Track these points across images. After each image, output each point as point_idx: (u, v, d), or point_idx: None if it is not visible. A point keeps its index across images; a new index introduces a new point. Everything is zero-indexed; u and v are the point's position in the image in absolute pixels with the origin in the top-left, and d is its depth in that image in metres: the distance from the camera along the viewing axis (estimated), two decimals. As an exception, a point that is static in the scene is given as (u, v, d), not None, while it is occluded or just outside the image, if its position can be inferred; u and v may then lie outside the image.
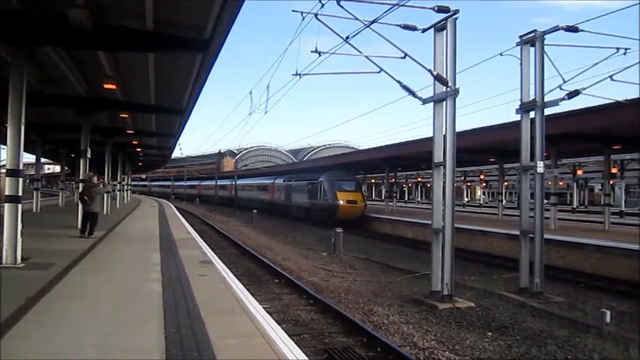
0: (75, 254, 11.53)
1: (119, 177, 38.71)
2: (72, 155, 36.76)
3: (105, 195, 24.68)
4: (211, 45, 11.10)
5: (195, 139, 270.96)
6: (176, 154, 59.12)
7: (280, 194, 46.49)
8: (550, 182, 23.30)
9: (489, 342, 9.25)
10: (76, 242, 13.93)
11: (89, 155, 18.77)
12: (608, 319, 9.84)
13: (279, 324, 7.11)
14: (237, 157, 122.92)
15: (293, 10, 11.81)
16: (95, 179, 16.01)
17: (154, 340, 5.59)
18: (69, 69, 14.63)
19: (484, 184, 66.37)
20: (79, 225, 15.51)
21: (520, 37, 13.47)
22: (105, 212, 24.48)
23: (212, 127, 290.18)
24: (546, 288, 13.31)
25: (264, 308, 7.99)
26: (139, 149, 38.33)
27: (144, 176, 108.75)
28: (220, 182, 73.39)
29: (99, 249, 13.13)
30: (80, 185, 17.59)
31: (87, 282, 8.88)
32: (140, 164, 56.06)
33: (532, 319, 10.99)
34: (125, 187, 48.24)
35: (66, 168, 44.10)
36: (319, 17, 11.45)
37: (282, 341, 5.82)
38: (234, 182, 65.53)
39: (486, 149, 26.74)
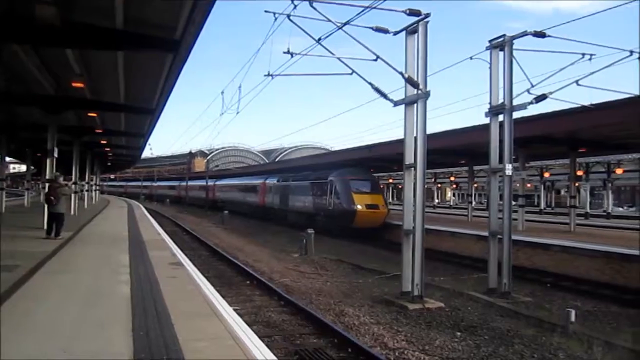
0: (41, 255, 11.27)
1: (87, 177, 38.02)
2: (39, 155, 35.96)
3: (73, 195, 24.21)
4: (182, 45, 11.01)
5: (166, 138, 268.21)
6: (146, 153, 58.07)
7: (274, 196, 39.25)
8: (518, 184, 23.73)
9: (458, 342, 9.37)
10: (42, 243, 13.61)
11: (55, 155, 18.37)
12: (573, 318, 10.09)
13: (249, 325, 7.07)
14: (208, 157, 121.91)
15: (265, 11, 11.80)
16: (61, 179, 15.67)
17: (121, 344, 5.51)
18: (36, 66, 14.32)
19: (454, 186, 67.31)
20: (45, 226, 15.17)
21: (490, 41, 13.69)
22: (72, 212, 24.02)
23: (183, 127, 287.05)
24: (514, 288, 13.56)
25: (235, 310, 7.94)
26: (107, 149, 37.74)
27: (112, 176, 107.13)
28: (198, 183, 67.47)
29: (65, 250, 12.88)
30: (47, 185, 17.21)
31: (53, 284, 8.71)
32: (109, 164, 55.13)
33: (500, 319, 11.17)
34: (94, 188, 47.42)
35: (32, 168, 43.14)
36: (291, 18, 11.44)
37: (252, 343, 5.79)
38: (214, 183, 60.75)
39: (456, 151, 27.10)
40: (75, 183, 28.07)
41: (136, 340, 5.64)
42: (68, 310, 6.91)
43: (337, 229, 27.44)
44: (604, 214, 45.17)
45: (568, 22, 28.13)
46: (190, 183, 70.77)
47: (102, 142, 32.71)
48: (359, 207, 27.73)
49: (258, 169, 63.12)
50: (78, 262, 11.32)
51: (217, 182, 60.61)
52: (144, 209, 39.83)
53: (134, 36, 11.01)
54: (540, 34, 13.22)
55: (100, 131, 26.63)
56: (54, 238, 14.36)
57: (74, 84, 15.07)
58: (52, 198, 14.67)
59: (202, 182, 64.70)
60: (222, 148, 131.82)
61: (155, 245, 14.82)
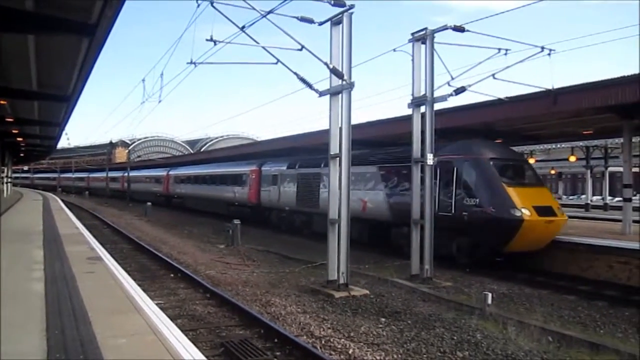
0: (-57, 253, 10.48)
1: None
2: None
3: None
4: (98, 30, 10.47)
5: (84, 128, 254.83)
6: (63, 143, 55.08)
7: (282, 190, 26.76)
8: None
9: (383, 327, 9.59)
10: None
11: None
12: (490, 300, 10.60)
13: (173, 320, 6.93)
14: (130, 147, 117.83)
15: (188, -4, 11.45)
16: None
17: (34, 344, 5.24)
18: None
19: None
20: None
21: (412, 34, 14.00)
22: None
23: (102, 116, 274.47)
24: (435, 274, 14.05)
25: (158, 304, 7.74)
26: (19, 139, 35.47)
27: (26, 168, 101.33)
28: (153, 173, 55.73)
29: (-29, 247, 12.03)
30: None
31: (-43, 284, 8.11)
32: (21, 154, 51.93)
33: (423, 304, 11.54)
34: (5, 180, 44.64)
35: None
36: (214, 4, 11.19)
37: (175, 338, 5.66)
38: (167, 173, 49.57)
39: (380, 141, 27.50)
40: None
41: (50, 339, 5.38)
42: (-26, 311, 6.47)
43: (469, 252, 16.02)
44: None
45: (486, 17, 29.33)
46: (151, 173, 57.17)
47: (14, 131, 30.71)
48: (526, 212, 14.89)
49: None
50: (-14, 260, 10.62)
51: (172, 172, 48.61)
52: (60, 202, 37.96)
53: (45, 19, 10.34)
54: (459, 29, 13.66)
55: (11, 120, 24.99)
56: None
57: (-22, 69, 14.05)
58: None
59: (163, 172, 52.12)
60: (145, 138, 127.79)
61: (72, 240, 14.22)
